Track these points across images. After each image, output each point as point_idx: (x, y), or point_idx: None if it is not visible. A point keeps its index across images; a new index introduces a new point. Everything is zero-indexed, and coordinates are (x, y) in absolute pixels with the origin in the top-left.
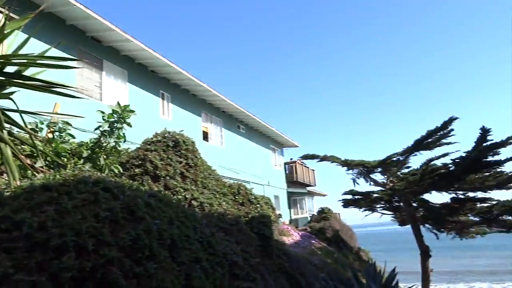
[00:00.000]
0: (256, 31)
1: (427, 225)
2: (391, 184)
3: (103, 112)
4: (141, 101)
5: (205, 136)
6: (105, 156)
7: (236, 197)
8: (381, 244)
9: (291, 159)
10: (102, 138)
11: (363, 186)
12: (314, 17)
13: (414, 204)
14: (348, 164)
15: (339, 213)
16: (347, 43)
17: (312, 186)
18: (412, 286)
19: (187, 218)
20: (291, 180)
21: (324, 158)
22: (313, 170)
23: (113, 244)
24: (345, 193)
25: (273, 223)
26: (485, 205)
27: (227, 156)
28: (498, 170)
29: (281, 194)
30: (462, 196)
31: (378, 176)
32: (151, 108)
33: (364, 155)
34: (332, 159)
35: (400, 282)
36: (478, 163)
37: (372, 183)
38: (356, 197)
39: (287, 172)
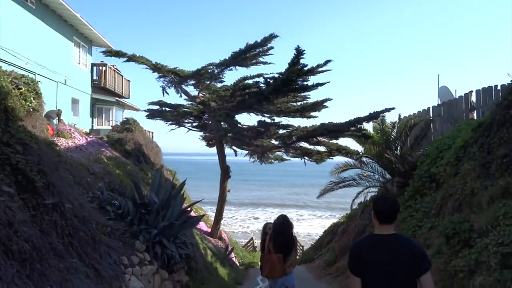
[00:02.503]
0: None
1: (229, 143)
2: (202, 98)
3: None
4: None
5: None
6: None
7: None
8: (196, 173)
9: (102, 61)
10: None
11: (174, 98)
12: None
13: (221, 121)
14: (158, 69)
15: (152, 132)
16: None
17: (126, 98)
18: (201, 200)
19: None
20: (99, 86)
21: (132, 58)
22: (129, 80)
23: None
24: (152, 103)
25: (34, 112)
26: (287, 131)
27: (1, 31)
28: (303, 95)
29: (82, 99)
30: (268, 120)
31: (190, 89)
32: None
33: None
34: (141, 60)
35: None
36: (287, 84)
37: (183, 94)
38: (164, 108)
39: (96, 77)
